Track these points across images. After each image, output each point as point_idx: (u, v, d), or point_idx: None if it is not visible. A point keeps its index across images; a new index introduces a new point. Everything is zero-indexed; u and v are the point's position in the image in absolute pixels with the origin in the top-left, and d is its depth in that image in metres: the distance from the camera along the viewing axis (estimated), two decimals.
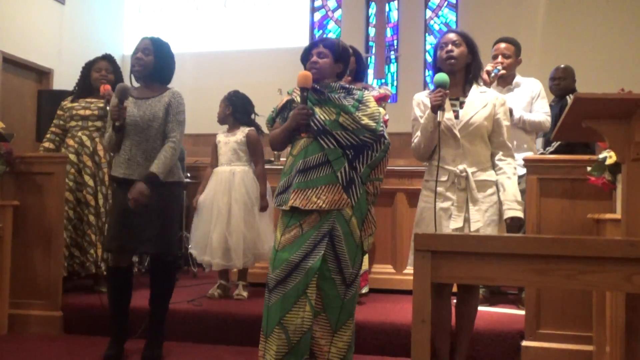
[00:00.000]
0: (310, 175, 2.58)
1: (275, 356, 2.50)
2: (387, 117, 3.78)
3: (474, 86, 2.79)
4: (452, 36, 2.77)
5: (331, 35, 8.02)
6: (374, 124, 2.62)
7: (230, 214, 3.87)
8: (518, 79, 3.93)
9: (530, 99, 3.85)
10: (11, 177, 3.66)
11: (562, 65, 4.79)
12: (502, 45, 3.89)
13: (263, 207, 3.89)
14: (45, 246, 3.63)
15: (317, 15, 8.13)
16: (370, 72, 7.81)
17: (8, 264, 3.56)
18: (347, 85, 2.76)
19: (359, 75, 3.92)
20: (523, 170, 3.30)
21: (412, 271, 1.66)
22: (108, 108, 3.84)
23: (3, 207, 3.56)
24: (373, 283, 4.14)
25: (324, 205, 2.54)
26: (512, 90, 3.87)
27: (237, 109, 4.06)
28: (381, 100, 3.86)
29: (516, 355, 3.06)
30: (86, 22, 7.63)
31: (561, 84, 4.68)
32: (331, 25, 8.10)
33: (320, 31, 8.08)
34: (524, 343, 3.04)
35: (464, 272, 1.63)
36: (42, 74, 7.01)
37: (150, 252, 3.00)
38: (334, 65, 2.73)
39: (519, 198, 2.70)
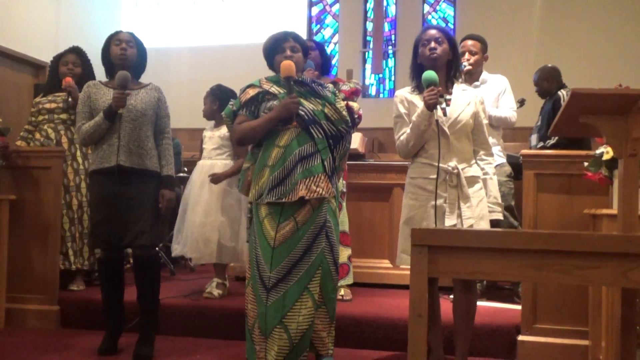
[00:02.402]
0: (308, 164, 2.59)
1: (277, 356, 2.49)
2: (361, 111, 3.76)
3: (456, 84, 2.79)
4: (434, 32, 2.75)
5: (329, 30, 8.02)
6: (347, 116, 2.74)
7: (208, 206, 3.79)
8: (484, 75, 3.99)
9: (497, 95, 3.94)
10: (8, 171, 3.66)
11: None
12: (469, 42, 3.96)
13: (214, 178, 3.74)
14: (42, 240, 3.63)
15: (315, 10, 8.11)
16: (368, 66, 7.81)
17: (5, 258, 3.56)
18: (316, 80, 2.83)
19: (325, 69, 3.92)
20: (496, 162, 3.47)
21: (408, 266, 1.66)
22: (70, 100, 3.83)
23: (0, 202, 3.56)
24: (370, 278, 4.15)
25: (324, 193, 2.57)
26: (478, 87, 3.92)
27: (224, 104, 4.02)
28: (353, 94, 3.85)
29: (512, 349, 3.07)
30: (83, 15, 7.60)
31: (537, 89, 4.53)
32: (329, 19, 8.08)
33: (318, 25, 8.07)
34: (520, 337, 3.05)
35: (460, 267, 1.63)
36: (39, 68, 6.99)
37: (145, 244, 2.96)
38: (303, 59, 2.79)
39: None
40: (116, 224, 2.95)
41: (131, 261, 3.90)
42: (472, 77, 3.92)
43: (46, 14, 7.06)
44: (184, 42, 7.92)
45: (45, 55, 7.00)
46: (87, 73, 4.01)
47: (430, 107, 2.58)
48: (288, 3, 8.00)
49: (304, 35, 7.72)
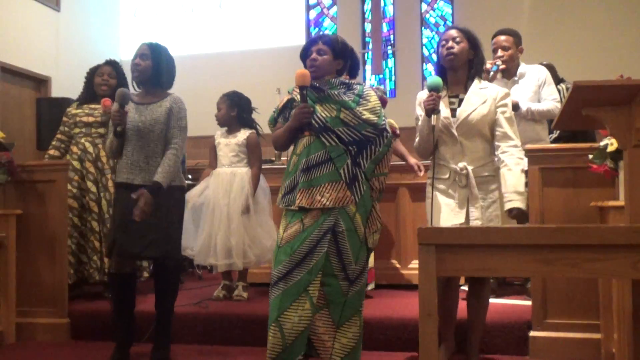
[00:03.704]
0: (314, 173, 2.57)
1: (269, 354, 2.49)
2: (396, 125, 3.72)
3: (475, 82, 2.78)
4: (453, 32, 2.77)
5: (327, 33, 8.02)
6: (376, 118, 2.61)
7: (230, 214, 3.85)
8: (522, 68, 3.86)
9: (536, 88, 3.79)
10: (13, 186, 3.67)
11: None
12: (501, 37, 3.84)
13: (247, 208, 3.83)
14: (49, 253, 3.63)
15: (313, 13, 8.13)
16: (368, 68, 7.81)
17: (13, 273, 3.56)
18: (348, 81, 2.74)
19: (354, 72, 3.91)
20: None
21: (417, 266, 1.66)
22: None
23: (6, 217, 3.57)
24: (378, 278, 4.14)
25: (327, 203, 2.53)
26: (517, 82, 3.82)
27: (243, 110, 4.03)
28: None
29: (524, 345, 3.06)
30: (82, 28, 7.64)
31: None
32: (327, 22, 8.09)
33: (316, 29, 8.08)
34: (532, 333, 3.04)
35: (469, 265, 1.63)
36: (40, 82, 7.02)
37: (154, 256, 3.00)
38: (333, 62, 2.72)
39: (520, 189, 2.68)
40: (127, 233, 2.95)
41: (144, 274, 3.97)
42: (509, 72, 3.79)
43: (46, 28, 7.09)
44: (183, 50, 7.94)
45: (46, 70, 7.05)
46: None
47: (428, 112, 2.62)
48: (285, 8, 8.01)
49: (303, 39, 7.74)
